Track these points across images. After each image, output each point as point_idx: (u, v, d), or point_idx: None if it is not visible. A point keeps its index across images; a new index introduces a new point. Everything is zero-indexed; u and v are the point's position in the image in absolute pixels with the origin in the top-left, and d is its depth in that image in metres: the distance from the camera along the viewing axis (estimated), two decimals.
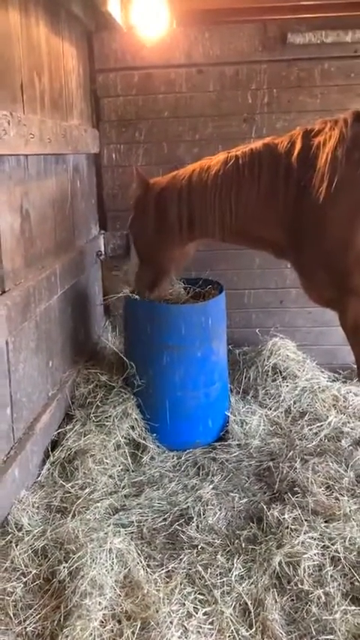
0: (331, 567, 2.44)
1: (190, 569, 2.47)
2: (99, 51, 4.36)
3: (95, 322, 4.39)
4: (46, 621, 2.15)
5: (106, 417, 3.36)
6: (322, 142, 2.97)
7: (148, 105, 4.43)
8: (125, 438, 3.33)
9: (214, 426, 3.62)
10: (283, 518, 2.71)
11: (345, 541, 2.56)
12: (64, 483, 2.92)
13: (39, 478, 2.96)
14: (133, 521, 2.79)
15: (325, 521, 2.71)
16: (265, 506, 2.85)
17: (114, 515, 2.82)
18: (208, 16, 4.99)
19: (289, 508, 2.79)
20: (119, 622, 2.15)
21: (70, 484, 2.92)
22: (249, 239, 3.30)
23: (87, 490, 2.91)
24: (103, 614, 2.15)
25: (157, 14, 4.34)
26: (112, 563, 2.37)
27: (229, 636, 2.14)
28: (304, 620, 2.23)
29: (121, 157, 4.52)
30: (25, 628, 2.13)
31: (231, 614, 2.22)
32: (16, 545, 2.45)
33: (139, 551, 2.52)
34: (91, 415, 3.37)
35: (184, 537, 2.69)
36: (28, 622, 2.15)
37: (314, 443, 3.49)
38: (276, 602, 2.29)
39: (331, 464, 3.20)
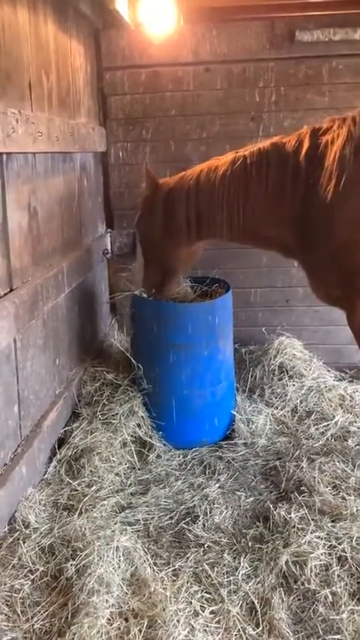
0: (338, 567, 2.43)
1: (196, 567, 2.47)
2: (106, 49, 4.36)
3: (102, 320, 4.40)
4: (54, 618, 2.16)
5: (113, 415, 3.36)
6: (330, 140, 2.95)
7: (155, 103, 4.42)
8: (131, 436, 3.34)
9: (221, 424, 3.62)
10: (290, 518, 2.71)
11: (352, 541, 2.55)
12: (70, 481, 2.93)
13: (46, 476, 2.97)
14: (139, 520, 2.79)
15: (332, 521, 2.71)
16: (271, 506, 2.85)
17: (120, 513, 2.83)
18: (216, 14, 4.98)
19: (295, 507, 2.79)
20: (126, 620, 2.15)
21: (76, 482, 2.92)
22: (257, 239, 3.29)
23: (93, 488, 2.91)
24: (111, 611, 2.15)
25: (165, 12, 4.34)
26: (119, 561, 2.38)
27: (235, 635, 2.14)
28: (310, 619, 2.22)
29: (128, 155, 4.52)
30: (33, 625, 2.13)
31: (238, 613, 2.22)
32: (24, 543, 2.45)
33: (146, 550, 2.52)
34: (98, 413, 3.37)
35: (190, 536, 2.70)
36: (35, 619, 2.16)
37: (321, 442, 3.48)
38: (283, 601, 2.28)
39: (337, 463, 3.20)
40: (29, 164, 2.89)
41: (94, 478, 2.98)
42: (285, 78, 4.33)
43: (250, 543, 2.62)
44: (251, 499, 2.99)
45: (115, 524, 2.64)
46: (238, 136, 4.31)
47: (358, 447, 3.42)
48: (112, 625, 2.11)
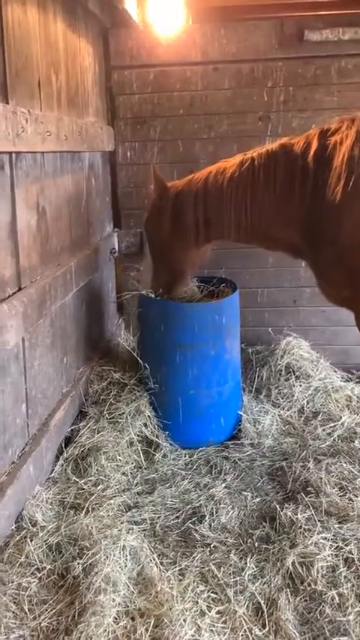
0: (345, 568, 2.43)
1: (203, 567, 2.47)
2: (115, 48, 4.36)
3: (109, 320, 4.41)
4: (61, 617, 2.16)
5: (119, 415, 3.37)
6: (339, 141, 2.94)
7: (163, 102, 4.42)
8: (138, 435, 3.34)
9: (227, 424, 3.62)
10: (296, 518, 2.71)
11: (359, 542, 2.55)
12: (77, 480, 2.93)
13: (52, 474, 2.98)
14: (145, 519, 2.80)
15: (339, 522, 2.71)
16: (278, 506, 2.84)
17: (127, 512, 2.83)
18: (224, 13, 4.99)
19: (302, 508, 2.79)
20: (133, 619, 2.16)
21: (83, 481, 2.93)
22: (265, 240, 3.29)
23: (100, 487, 2.92)
24: (117, 610, 2.16)
25: (173, 11, 4.34)
26: (126, 560, 2.39)
27: (242, 635, 2.14)
28: (317, 620, 2.22)
29: (136, 154, 4.52)
30: (40, 623, 2.14)
31: (244, 614, 2.22)
32: (31, 541, 2.46)
33: (152, 549, 2.53)
34: (105, 412, 3.38)
35: (196, 535, 2.70)
36: (42, 617, 2.16)
37: (327, 443, 3.48)
38: (289, 602, 2.28)
39: (344, 464, 3.19)
40: (38, 163, 2.90)
41: (101, 477, 2.99)
42: (294, 78, 4.33)
43: (256, 544, 2.62)
44: (257, 499, 2.98)
45: (122, 523, 2.64)
46: (246, 135, 4.31)
47: None
48: (118, 624, 2.12)
